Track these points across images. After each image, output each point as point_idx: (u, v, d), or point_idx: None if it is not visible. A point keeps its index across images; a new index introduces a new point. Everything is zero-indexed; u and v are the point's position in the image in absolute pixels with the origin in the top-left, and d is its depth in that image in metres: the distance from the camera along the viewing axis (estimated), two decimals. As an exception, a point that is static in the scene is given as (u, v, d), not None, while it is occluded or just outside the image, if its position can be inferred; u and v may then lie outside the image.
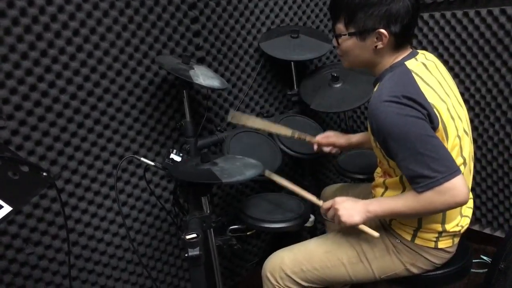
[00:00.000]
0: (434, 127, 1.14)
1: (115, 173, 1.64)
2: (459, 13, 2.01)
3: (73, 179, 1.57)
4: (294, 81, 2.10)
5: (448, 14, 2.04)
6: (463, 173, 1.20)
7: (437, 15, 2.08)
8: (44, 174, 1.15)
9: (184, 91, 1.65)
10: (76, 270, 1.65)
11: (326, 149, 1.68)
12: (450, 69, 2.10)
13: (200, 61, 1.84)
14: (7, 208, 0.96)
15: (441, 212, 1.23)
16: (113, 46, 1.57)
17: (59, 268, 1.60)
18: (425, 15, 2.11)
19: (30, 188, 1.10)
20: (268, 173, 1.50)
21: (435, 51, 2.12)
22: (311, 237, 1.56)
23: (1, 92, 1.37)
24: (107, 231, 1.70)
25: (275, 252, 1.44)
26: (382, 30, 1.19)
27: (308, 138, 1.68)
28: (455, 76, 2.10)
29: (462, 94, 2.07)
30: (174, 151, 1.52)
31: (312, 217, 1.88)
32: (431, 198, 1.13)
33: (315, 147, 1.70)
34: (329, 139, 1.67)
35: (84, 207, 1.62)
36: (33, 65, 1.41)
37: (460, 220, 1.28)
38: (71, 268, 1.61)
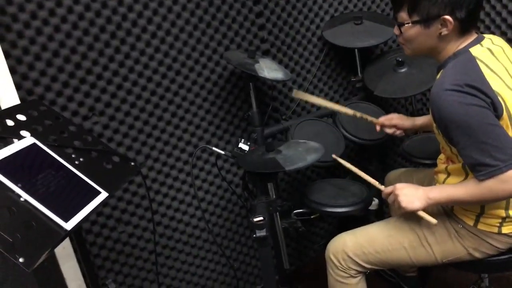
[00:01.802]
0: (498, 115, 1.13)
1: (191, 161, 1.81)
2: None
3: (155, 166, 1.77)
4: (358, 67, 2.12)
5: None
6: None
7: (504, -2, 1.99)
8: (132, 163, 1.33)
9: (251, 83, 1.75)
10: (160, 247, 1.85)
11: (389, 130, 1.68)
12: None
13: (265, 53, 1.93)
14: (104, 194, 1.14)
15: (503, 199, 1.22)
16: (185, 45, 1.72)
17: (146, 245, 1.81)
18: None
19: (121, 176, 1.29)
20: (335, 157, 1.59)
21: (503, 35, 2.02)
22: (378, 220, 1.61)
23: (94, 91, 1.58)
24: (185, 212, 1.88)
25: (338, 235, 1.51)
26: (447, 17, 1.17)
27: (370, 118, 1.69)
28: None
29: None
30: (243, 140, 1.64)
31: (376, 200, 1.92)
32: (492, 186, 1.13)
33: (378, 128, 1.70)
34: (392, 121, 1.67)
35: (165, 191, 1.81)
36: (118, 67, 1.61)
37: (526, 206, 1.26)
38: (156, 245, 1.82)
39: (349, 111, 1.71)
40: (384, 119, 1.68)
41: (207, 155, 1.88)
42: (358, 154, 2.34)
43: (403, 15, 1.26)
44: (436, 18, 1.20)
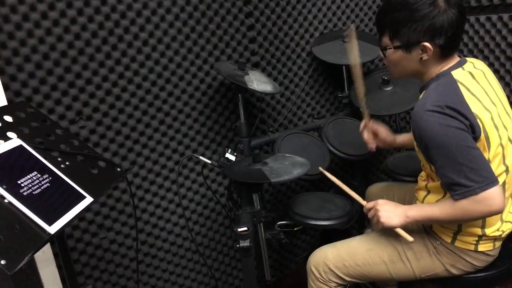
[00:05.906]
0: (476, 137, 1.18)
1: (177, 169, 1.81)
2: (505, 17, 2.01)
3: (140, 173, 1.77)
4: (345, 84, 2.16)
5: (494, 17, 2.04)
6: (505, 181, 1.24)
7: (482, 18, 2.07)
8: (118, 169, 1.33)
9: (240, 94, 1.77)
10: (142, 254, 1.84)
11: (365, 135, 1.68)
12: (495, 72, 2.08)
13: (255, 66, 1.96)
14: (89, 199, 1.14)
15: (477, 220, 1.26)
16: (177, 54, 1.74)
17: (127, 252, 1.80)
18: (471, 18, 2.10)
19: (107, 181, 1.29)
20: (321, 169, 1.61)
21: (485, 59, 2.10)
22: (359, 234, 1.64)
23: (82, 96, 1.58)
24: (168, 220, 1.88)
25: (319, 248, 1.53)
26: (427, 44, 1.22)
27: (366, 113, 1.68)
28: (500, 78, 2.08)
29: (508, 98, 2.05)
30: (229, 150, 1.66)
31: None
32: (466, 206, 1.17)
33: (362, 124, 1.70)
34: (377, 127, 1.68)
35: (149, 199, 1.81)
36: (108, 72, 1.61)
37: (501, 226, 1.30)
38: (138, 252, 1.81)
39: (361, 93, 1.63)
40: (372, 122, 1.69)
41: (193, 163, 1.89)
42: (342, 169, 2.37)
43: (386, 40, 1.31)
44: (416, 44, 1.24)
